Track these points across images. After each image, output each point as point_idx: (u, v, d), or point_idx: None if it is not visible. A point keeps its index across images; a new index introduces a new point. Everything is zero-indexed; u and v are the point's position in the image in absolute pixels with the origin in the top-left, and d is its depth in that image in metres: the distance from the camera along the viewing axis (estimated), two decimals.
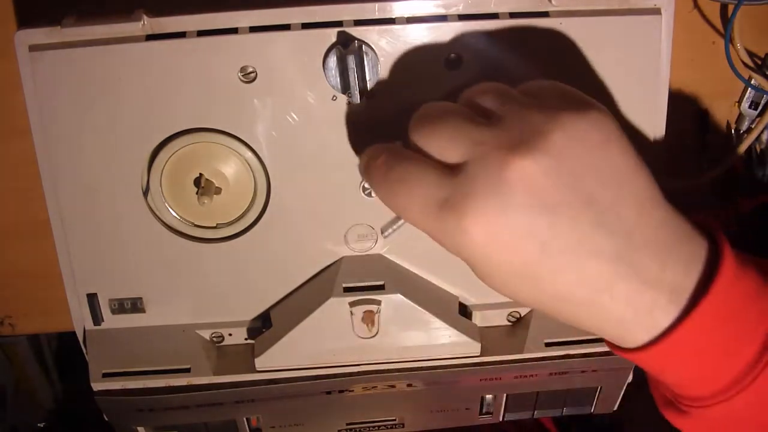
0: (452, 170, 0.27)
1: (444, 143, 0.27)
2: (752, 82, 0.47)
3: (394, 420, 0.48)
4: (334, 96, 0.37)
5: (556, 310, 0.28)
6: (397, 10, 0.35)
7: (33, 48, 0.35)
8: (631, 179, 0.27)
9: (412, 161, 0.28)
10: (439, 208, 0.26)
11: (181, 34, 0.35)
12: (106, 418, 0.44)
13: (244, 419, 0.45)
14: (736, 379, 0.27)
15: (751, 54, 0.46)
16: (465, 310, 0.43)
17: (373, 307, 0.39)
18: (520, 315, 0.43)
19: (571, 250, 0.26)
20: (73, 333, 0.42)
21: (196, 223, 0.40)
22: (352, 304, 0.39)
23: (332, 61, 0.35)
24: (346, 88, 0.36)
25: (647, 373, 0.31)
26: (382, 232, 0.34)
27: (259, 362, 0.41)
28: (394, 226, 0.33)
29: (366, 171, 0.30)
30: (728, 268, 0.27)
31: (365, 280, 0.40)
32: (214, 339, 0.43)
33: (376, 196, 0.39)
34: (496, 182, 0.25)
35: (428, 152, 0.28)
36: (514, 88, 0.30)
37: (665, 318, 0.27)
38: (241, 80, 0.36)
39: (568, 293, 0.27)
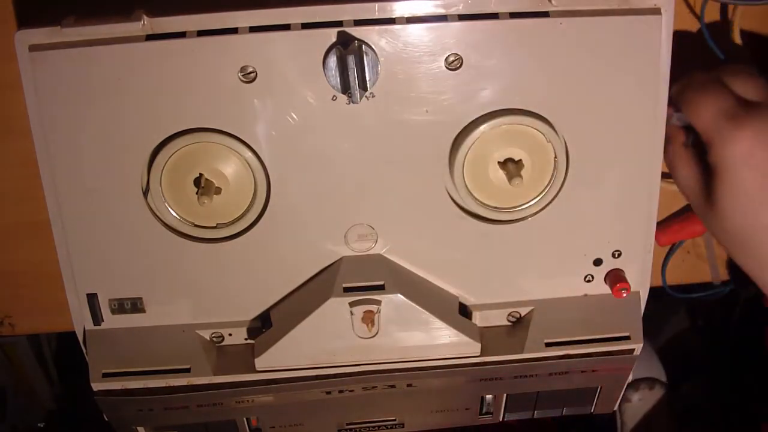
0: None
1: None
2: None
3: (394, 420, 0.48)
4: (334, 96, 0.37)
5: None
6: (397, 10, 0.35)
7: (33, 48, 0.35)
8: None
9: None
10: (725, 114, 0.35)
11: (181, 34, 0.35)
12: (106, 418, 0.44)
13: (244, 419, 0.45)
14: None
15: (751, 54, 0.46)
16: (465, 310, 0.43)
17: (373, 307, 0.39)
18: (520, 315, 0.43)
19: None
20: (73, 333, 0.42)
21: (196, 223, 0.40)
22: (352, 304, 0.39)
23: (332, 61, 0.35)
24: (346, 88, 0.36)
25: None
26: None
27: (259, 362, 0.41)
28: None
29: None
30: None
31: (365, 280, 0.40)
32: (214, 339, 0.43)
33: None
34: None
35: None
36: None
37: None
38: (241, 80, 0.36)
39: None
